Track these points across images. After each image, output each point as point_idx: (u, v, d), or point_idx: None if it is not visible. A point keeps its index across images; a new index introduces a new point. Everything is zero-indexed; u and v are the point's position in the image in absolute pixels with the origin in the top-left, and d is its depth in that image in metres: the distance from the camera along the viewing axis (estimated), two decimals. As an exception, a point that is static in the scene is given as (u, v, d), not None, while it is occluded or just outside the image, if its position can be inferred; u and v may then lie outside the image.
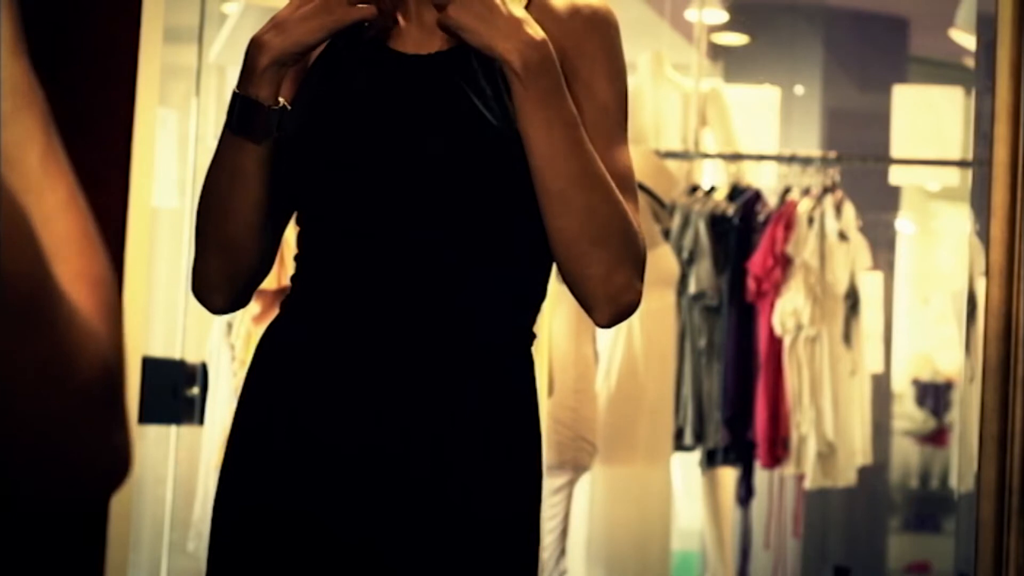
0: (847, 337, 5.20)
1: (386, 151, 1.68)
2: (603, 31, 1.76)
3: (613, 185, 1.68)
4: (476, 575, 1.67)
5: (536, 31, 1.64)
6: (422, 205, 1.68)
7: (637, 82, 5.42)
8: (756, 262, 5.10)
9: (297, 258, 1.77)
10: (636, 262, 1.69)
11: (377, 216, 1.68)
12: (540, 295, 1.78)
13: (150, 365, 2.97)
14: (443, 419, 1.67)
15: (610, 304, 1.68)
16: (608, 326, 1.72)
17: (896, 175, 6.59)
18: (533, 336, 1.76)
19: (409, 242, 1.67)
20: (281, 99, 1.71)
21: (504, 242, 1.71)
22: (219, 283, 1.78)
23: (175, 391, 3.11)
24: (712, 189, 5.34)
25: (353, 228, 1.70)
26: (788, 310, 5.06)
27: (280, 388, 1.72)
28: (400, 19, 1.77)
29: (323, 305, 1.72)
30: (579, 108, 1.72)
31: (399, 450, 1.66)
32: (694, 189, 5.33)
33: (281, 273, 3.86)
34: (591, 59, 1.74)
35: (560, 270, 1.71)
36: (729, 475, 5.28)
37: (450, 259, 1.68)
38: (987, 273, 1.94)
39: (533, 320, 1.76)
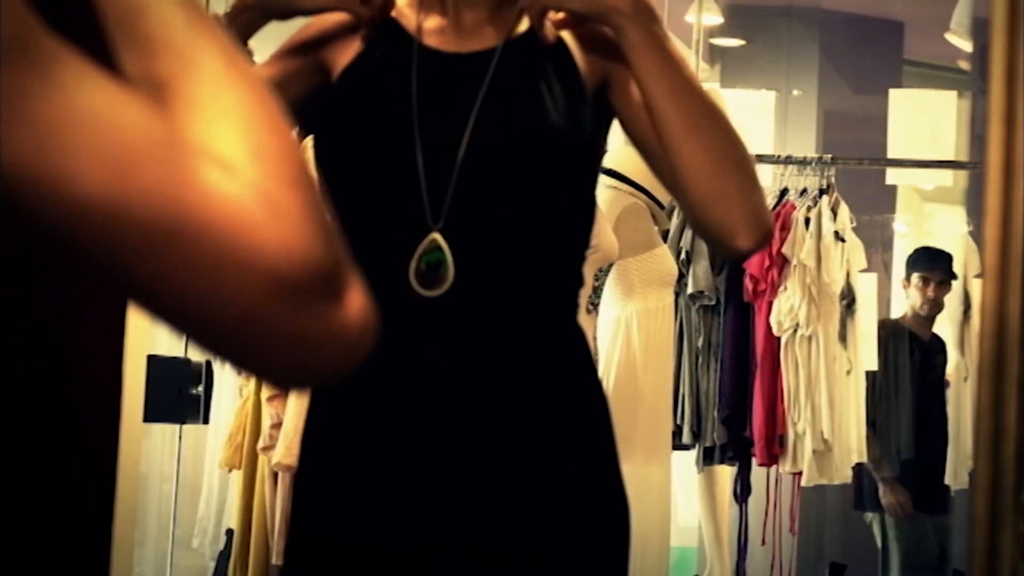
0: (843, 336, 5.24)
1: (425, 149, 1.69)
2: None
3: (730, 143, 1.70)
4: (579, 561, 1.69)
5: None
6: (464, 203, 1.68)
7: (635, 84, 5.45)
8: (753, 262, 5.13)
9: None
10: (762, 193, 1.70)
11: (417, 216, 1.68)
12: (581, 271, 1.79)
13: (155, 363, 2.99)
14: (510, 419, 1.68)
15: (752, 224, 1.66)
16: (752, 250, 1.70)
17: (891, 176, 6.64)
18: (577, 306, 1.76)
19: (451, 241, 1.68)
20: (250, 46, 1.74)
21: (548, 232, 1.71)
22: None
23: (180, 389, 3.12)
24: (709, 190, 5.37)
25: (393, 229, 1.69)
26: (785, 309, 5.10)
27: (346, 408, 1.72)
28: (439, 18, 1.78)
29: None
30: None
31: (470, 458, 1.67)
32: (691, 190, 5.35)
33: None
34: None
35: (693, 207, 1.69)
36: (726, 472, 5.32)
37: (495, 254, 1.69)
38: (981, 273, 1.98)
39: (576, 298, 1.77)
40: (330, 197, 1.75)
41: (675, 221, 5.22)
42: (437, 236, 1.67)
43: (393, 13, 1.79)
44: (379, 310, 1.81)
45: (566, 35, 1.77)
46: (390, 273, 1.68)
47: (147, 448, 4.54)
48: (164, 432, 4.74)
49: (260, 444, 3.85)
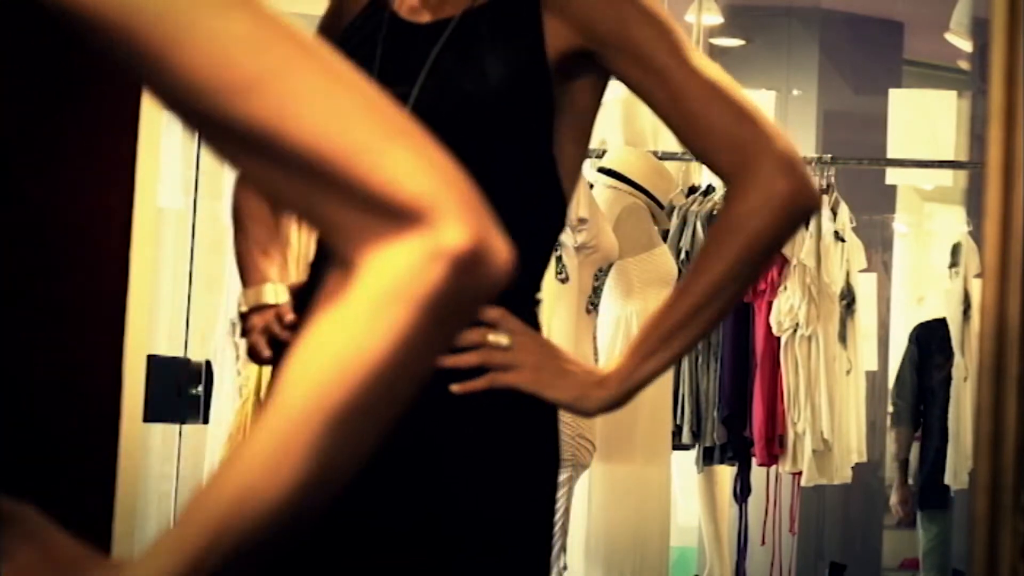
0: (843, 336, 5.25)
1: None
2: None
3: (747, 257, 1.77)
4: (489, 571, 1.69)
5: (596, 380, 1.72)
6: None
7: (635, 84, 5.45)
8: (753, 262, 5.13)
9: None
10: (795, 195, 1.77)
11: None
12: (543, 261, 1.78)
13: (155, 364, 2.99)
14: (448, 404, 1.67)
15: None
16: None
17: (891, 176, 6.64)
18: (538, 302, 1.76)
19: None
20: None
21: (496, 204, 1.72)
22: None
23: (180, 390, 3.12)
24: (710, 189, 5.38)
25: None
26: (785, 309, 5.10)
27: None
28: None
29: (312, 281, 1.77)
30: (644, 66, 1.71)
31: (407, 447, 1.64)
32: (692, 190, 5.36)
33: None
34: (627, 25, 1.72)
35: None
36: (726, 472, 5.32)
37: None
38: (981, 273, 1.99)
39: (537, 287, 1.76)
40: None
41: (675, 221, 5.22)
42: None
43: None
44: (326, 269, 1.82)
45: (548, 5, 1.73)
46: None
47: (147, 448, 4.55)
48: (164, 432, 4.75)
49: (260, 444, 3.83)
